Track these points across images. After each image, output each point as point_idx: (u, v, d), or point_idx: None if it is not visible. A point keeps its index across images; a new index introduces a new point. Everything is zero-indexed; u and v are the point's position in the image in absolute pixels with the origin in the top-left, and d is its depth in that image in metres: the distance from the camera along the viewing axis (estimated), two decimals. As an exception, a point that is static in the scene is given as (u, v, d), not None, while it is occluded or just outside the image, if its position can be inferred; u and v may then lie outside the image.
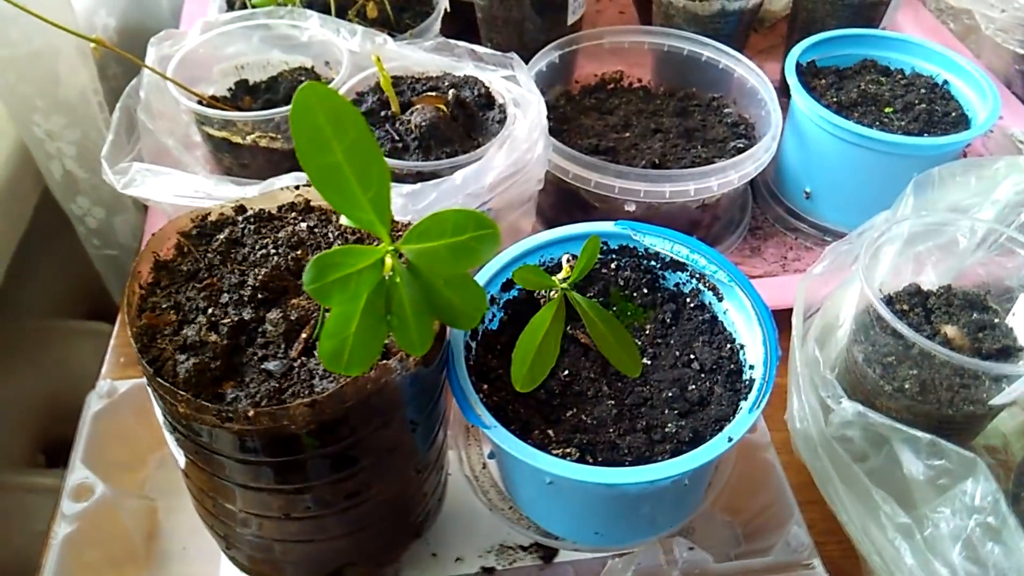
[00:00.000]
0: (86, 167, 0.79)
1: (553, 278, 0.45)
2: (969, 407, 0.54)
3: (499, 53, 0.70)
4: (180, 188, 0.62)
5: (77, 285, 0.94)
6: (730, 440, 0.45)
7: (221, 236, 0.48)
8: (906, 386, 0.55)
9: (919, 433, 0.50)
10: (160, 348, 0.43)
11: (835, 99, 0.80)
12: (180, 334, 0.43)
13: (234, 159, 0.70)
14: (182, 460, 0.46)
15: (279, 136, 0.67)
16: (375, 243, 0.34)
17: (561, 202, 0.80)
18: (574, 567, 0.58)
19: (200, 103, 0.69)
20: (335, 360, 0.32)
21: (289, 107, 0.69)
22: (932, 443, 0.50)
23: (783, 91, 0.86)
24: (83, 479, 0.57)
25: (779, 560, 0.54)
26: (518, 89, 0.66)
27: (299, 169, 0.64)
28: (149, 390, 0.43)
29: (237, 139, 0.67)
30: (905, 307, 0.60)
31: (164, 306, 0.45)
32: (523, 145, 0.61)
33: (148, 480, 0.63)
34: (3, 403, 0.85)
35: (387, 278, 0.32)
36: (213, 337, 0.43)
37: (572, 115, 0.87)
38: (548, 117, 0.85)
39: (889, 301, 0.61)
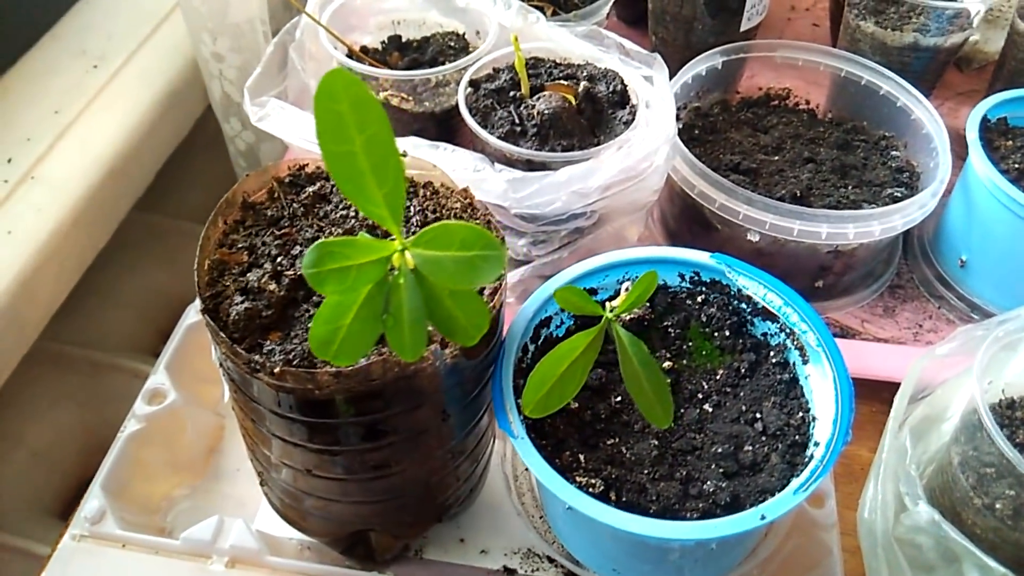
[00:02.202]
0: (241, 92, 0.83)
1: (610, 303, 0.42)
2: (1068, 549, 0.47)
3: (645, 51, 0.67)
4: (306, 131, 0.64)
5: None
6: (763, 518, 0.41)
7: (311, 189, 0.49)
8: (997, 505, 0.49)
9: (993, 563, 0.45)
10: (224, 285, 0.44)
11: (1018, 165, 0.71)
12: (245, 276, 0.45)
13: (366, 112, 0.71)
14: (227, 395, 0.47)
15: (410, 98, 0.68)
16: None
17: (684, 215, 0.76)
18: (595, 593, 0.57)
19: (348, 53, 0.71)
20: (324, 347, 0.32)
21: (429, 71, 0.70)
22: (1006, 578, 0.44)
23: (966, 144, 0.77)
24: (160, 384, 0.61)
25: (806, 651, 0.50)
26: (655, 93, 0.63)
27: (425, 134, 0.65)
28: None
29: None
30: (1027, 416, 0.53)
31: (240, 245, 0.46)
32: (641, 153, 0.58)
33: (223, 397, 0.67)
34: (135, 291, 0.93)
35: (391, 277, 0.31)
36: (272, 286, 0.44)
37: (723, 127, 0.82)
38: (696, 125, 0.82)
39: (1010, 406, 0.54)
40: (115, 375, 0.86)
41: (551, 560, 0.58)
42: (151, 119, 0.83)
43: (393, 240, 0.31)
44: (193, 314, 0.66)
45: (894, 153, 0.79)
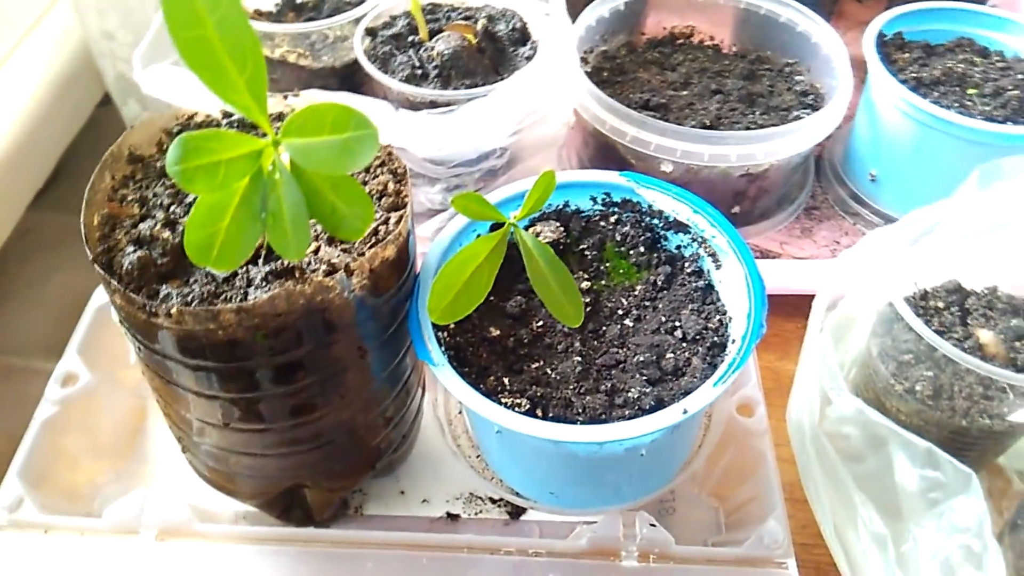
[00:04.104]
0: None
1: (514, 214, 0.42)
2: (986, 420, 0.48)
3: (542, -12, 0.67)
4: (200, 90, 0.62)
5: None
6: (685, 412, 0.41)
7: (202, 138, 0.47)
8: (917, 388, 0.50)
9: (916, 439, 0.45)
10: (116, 239, 0.43)
11: (915, 75, 0.73)
12: (137, 228, 0.43)
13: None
14: (133, 356, 0.46)
15: (308, 54, 0.66)
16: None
17: (599, 156, 0.76)
18: (540, 527, 0.56)
19: (240, 14, 0.69)
20: (202, 254, 0.31)
21: (323, 22, 0.68)
22: (929, 452, 0.45)
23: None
24: (72, 367, 0.59)
25: (748, 554, 0.50)
26: (553, 24, 0.63)
27: (327, 88, 0.63)
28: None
29: (266, 51, 0.66)
30: (940, 304, 0.55)
31: (130, 199, 0.45)
32: (543, 84, 0.58)
33: (143, 378, 0.64)
34: (49, 293, 0.89)
35: (266, 173, 0.30)
36: (166, 234, 0.42)
37: (630, 67, 0.83)
38: (604, 68, 0.82)
39: (923, 296, 0.56)
40: (33, 379, 0.82)
41: (493, 500, 0.57)
42: (42, 109, 0.79)
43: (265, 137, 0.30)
44: (101, 295, 0.64)
45: (798, 78, 0.81)
